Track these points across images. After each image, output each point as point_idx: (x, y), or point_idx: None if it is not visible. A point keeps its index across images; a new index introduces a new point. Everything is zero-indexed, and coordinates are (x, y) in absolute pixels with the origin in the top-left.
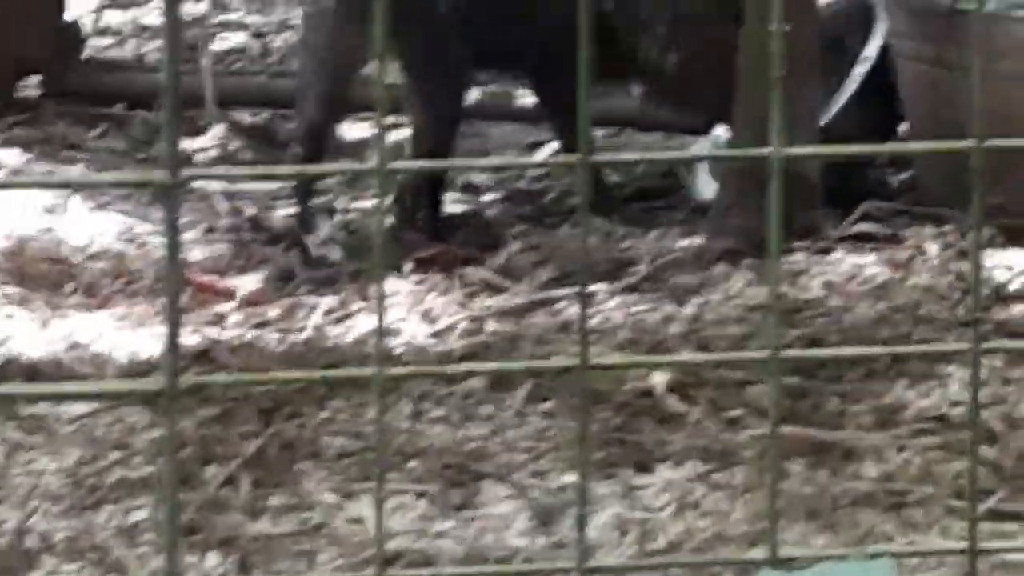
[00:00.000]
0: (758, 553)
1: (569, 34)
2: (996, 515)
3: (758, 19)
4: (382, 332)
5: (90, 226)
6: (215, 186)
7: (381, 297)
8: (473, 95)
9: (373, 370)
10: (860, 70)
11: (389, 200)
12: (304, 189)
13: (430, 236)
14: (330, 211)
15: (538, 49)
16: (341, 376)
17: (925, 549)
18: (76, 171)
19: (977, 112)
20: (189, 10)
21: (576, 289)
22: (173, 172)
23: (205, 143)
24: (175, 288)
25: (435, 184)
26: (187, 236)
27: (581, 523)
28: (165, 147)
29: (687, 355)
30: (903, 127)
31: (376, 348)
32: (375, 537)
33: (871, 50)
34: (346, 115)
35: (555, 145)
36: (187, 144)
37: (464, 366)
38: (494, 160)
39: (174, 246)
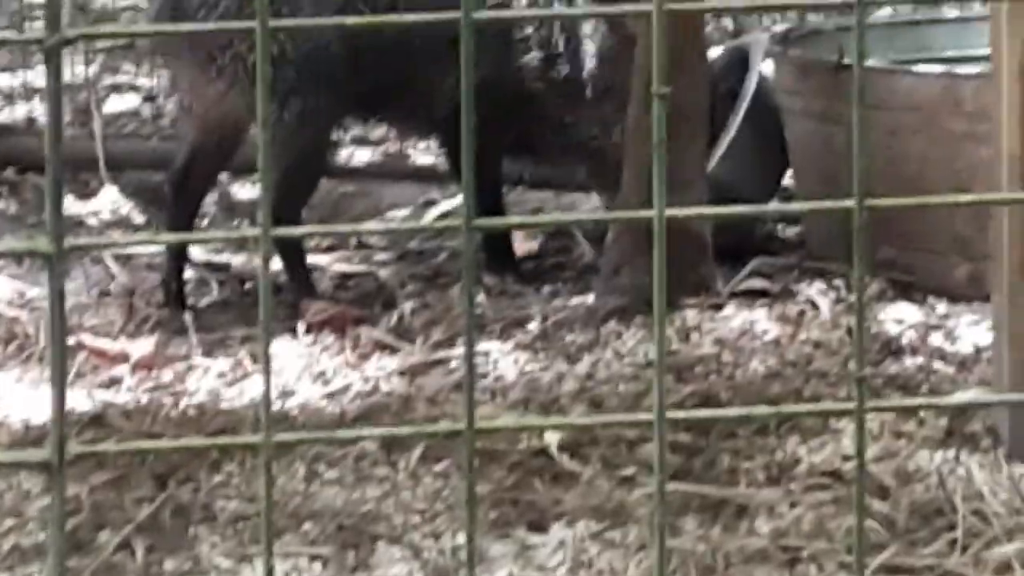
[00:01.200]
0: None
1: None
2: (888, 570)
3: (645, 79)
4: (269, 397)
5: None
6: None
7: (267, 361)
8: (367, 155)
9: (260, 437)
10: (736, 119)
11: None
12: (177, 256)
13: (298, 298)
14: (221, 271)
15: (448, 108)
16: (231, 443)
17: None
18: None
19: (859, 170)
20: (79, 72)
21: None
22: (57, 241)
23: (97, 206)
24: (61, 357)
25: (297, 248)
26: (80, 300)
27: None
28: (49, 215)
29: (576, 416)
30: (789, 177)
31: (263, 413)
32: None
33: (744, 99)
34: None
35: (447, 205)
36: (79, 208)
37: (354, 432)
38: (382, 225)
39: (59, 317)
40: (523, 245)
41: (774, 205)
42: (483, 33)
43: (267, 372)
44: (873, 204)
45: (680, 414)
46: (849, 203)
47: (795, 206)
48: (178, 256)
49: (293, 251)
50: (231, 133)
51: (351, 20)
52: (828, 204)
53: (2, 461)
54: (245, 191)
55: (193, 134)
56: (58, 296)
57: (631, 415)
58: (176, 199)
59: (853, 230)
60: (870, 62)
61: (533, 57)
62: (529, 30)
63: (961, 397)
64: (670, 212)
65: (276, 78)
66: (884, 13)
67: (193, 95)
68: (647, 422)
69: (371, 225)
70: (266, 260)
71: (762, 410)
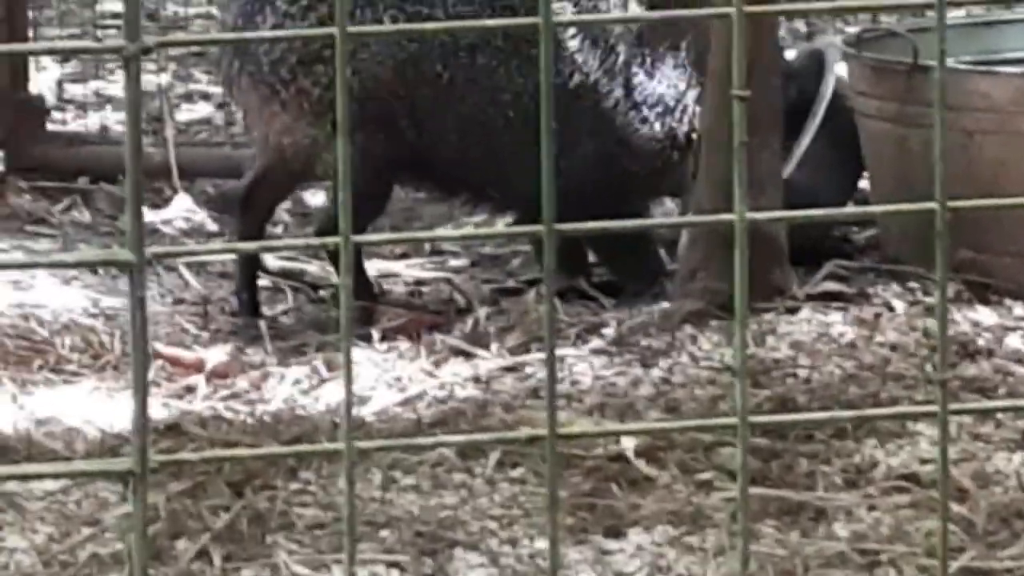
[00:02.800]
0: None
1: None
2: (968, 573)
3: (720, 79)
4: (351, 404)
5: (58, 301)
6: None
7: (348, 367)
8: None
9: (343, 444)
10: (812, 124)
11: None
12: (250, 264)
13: (369, 299)
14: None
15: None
16: (312, 451)
17: None
18: (41, 246)
19: (940, 173)
20: (152, 80)
21: (544, 354)
22: (138, 251)
23: (170, 215)
24: (142, 367)
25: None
26: (154, 308)
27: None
28: (129, 225)
29: (655, 422)
30: (865, 180)
31: (344, 420)
32: None
33: (821, 104)
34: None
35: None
36: (152, 216)
37: (433, 439)
38: (459, 232)
39: (141, 325)
40: None
41: (852, 208)
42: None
43: (348, 378)
44: (955, 206)
45: (762, 418)
46: (931, 205)
47: (875, 208)
48: (251, 265)
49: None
50: (300, 162)
51: (430, 27)
52: (909, 206)
53: (85, 470)
54: (318, 198)
55: (262, 160)
56: (139, 305)
57: (712, 420)
58: (245, 211)
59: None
60: (947, 63)
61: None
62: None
63: None
64: (750, 215)
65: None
66: (958, 14)
67: (259, 126)
68: (730, 426)
69: (449, 232)
70: (347, 268)
71: (843, 414)
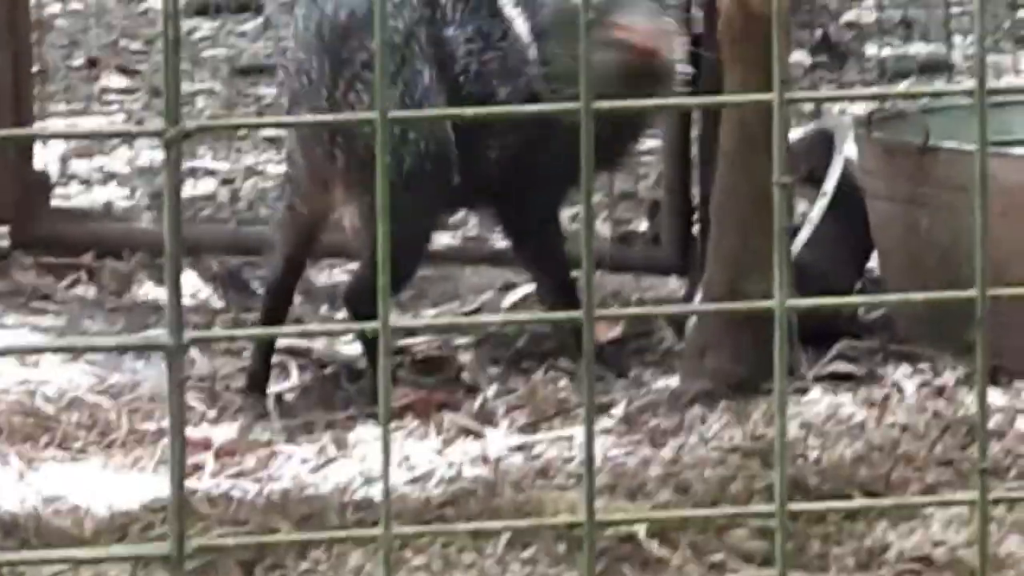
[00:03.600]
0: None
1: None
2: None
3: (732, 159)
4: (388, 489)
5: (63, 377)
6: None
7: (387, 453)
8: (446, 239)
9: (380, 531)
10: (821, 203)
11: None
12: (266, 344)
13: (375, 389)
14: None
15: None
16: (352, 535)
17: None
18: (47, 322)
19: (980, 261)
20: (155, 157)
21: (555, 433)
22: (176, 334)
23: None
24: (180, 451)
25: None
26: (160, 386)
27: None
28: (169, 308)
29: (670, 504)
30: (874, 261)
31: (382, 507)
32: None
33: (830, 183)
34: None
35: (526, 288)
36: (158, 293)
37: (474, 524)
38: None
39: (179, 408)
40: (605, 330)
41: (887, 296)
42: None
43: (386, 463)
44: (996, 293)
45: (801, 506)
46: (971, 293)
47: (915, 296)
48: (269, 346)
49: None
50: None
51: (470, 111)
52: (950, 294)
53: (123, 555)
54: (323, 276)
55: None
56: (177, 388)
57: (753, 507)
58: (274, 292)
59: (942, 313)
60: (955, 144)
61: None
62: None
63: None
64: (792, 302)
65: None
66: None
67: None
68: (768, 514)
69: (489, 317)
70: (385, 352)
71: (884, 501)
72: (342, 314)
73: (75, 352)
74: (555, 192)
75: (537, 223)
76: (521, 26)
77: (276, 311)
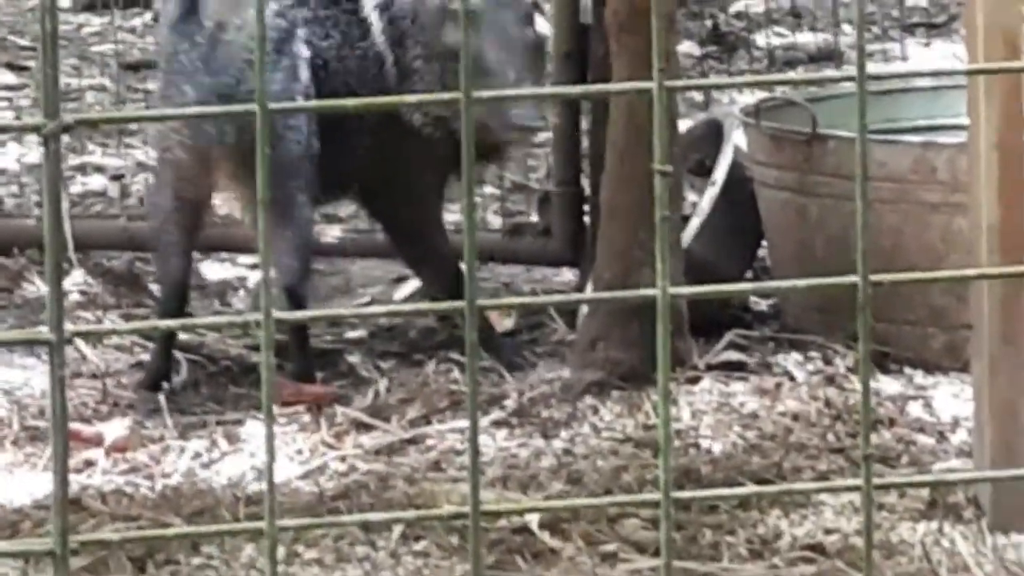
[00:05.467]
0: None
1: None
2: None
3: (621, 150)
4: (273, 483)
5: None
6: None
7: (271, 445)
8: (336, 232)
9: (265, 523)
10: (711, 193)
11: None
12: (167, 338)
13: (298, 376)
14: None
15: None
16: (236, 530)
17: None
18: None
19: (862, 247)
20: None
21: (447, 426)
22: (58, 329)
23: (66, 288)
24: (63, 447)
25: (303, 326)
26: (47, 383)
27: None
28: (49, 303)
29: (560, 495)
30: (763, 250)
31: (267, 501)
32: None
33: (719, 173)
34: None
35: (417, 282)
36: (47, 289)
37: (360, 516)
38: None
39: (61, 404)
40: (497, 321)
41: (775, 283)
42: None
43: (271, 456)
44: (878, 279)
45: (687, 494)
46: (854, 279)
47: (800, 282)
48: (169, 341)
49: (303, 331)
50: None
51: (351, 103)
52: (834, 280)
53: (6, 551)
54: (213, 270)
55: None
56: (59, 384)
57: (637, 496)
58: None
59: (832, 302)
60: (842, 132)
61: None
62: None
63: (961, 474)
64: (674, 290)
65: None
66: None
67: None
68: (652, 503)
69: (374, 309)
70: (267, 346)
71: (772, 488)
72: (232, 311)
73: None
74: (423, 191)
75: (411, 223)
76: (377, 27)
77: (176, 305)
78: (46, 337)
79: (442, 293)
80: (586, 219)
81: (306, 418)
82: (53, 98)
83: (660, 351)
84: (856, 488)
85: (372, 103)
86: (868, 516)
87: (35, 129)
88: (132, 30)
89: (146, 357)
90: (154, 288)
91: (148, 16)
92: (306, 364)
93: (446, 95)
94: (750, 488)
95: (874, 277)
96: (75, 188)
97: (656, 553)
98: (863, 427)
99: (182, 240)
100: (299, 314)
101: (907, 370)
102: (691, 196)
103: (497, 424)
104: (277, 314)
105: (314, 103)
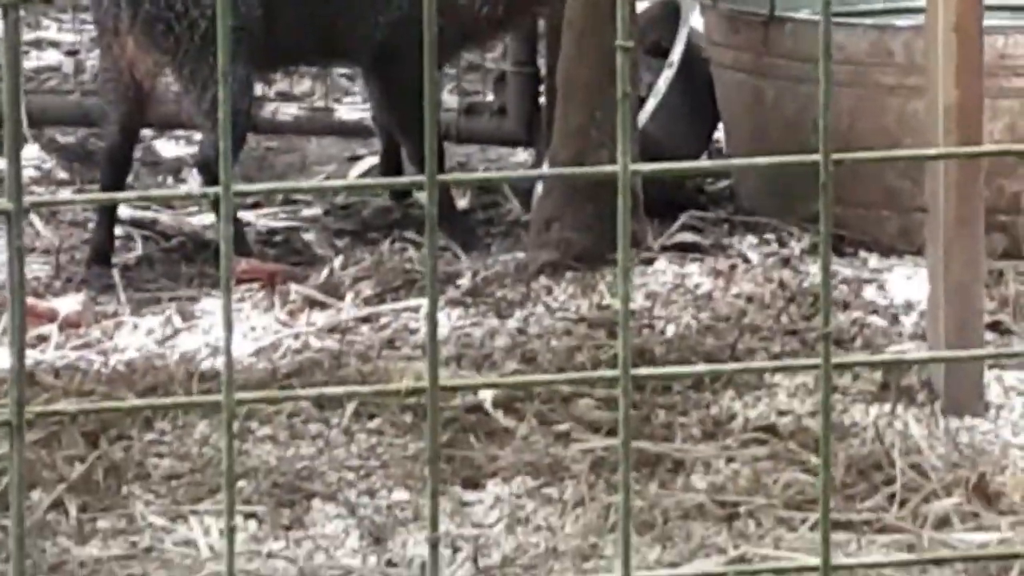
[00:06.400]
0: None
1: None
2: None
3: (578, 29)
4: (231, 356)
5: None
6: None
7: (228, 318)
8: (292, 110)
9: (223, 396)
10: (667, 74)
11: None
12: (108, 211)
13: (241, 252)
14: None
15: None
16: (194, 402)
17: (779, 567)
18: None
19: (823, 126)
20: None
21: (401, 304)
22: (16, 199)
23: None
24: (20, 317)
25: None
26: (1, 257)
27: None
28: (8, 174)
29: (514, 373)
30: (719, 132)
31: (224, 373)
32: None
33: (676, 54)
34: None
35: (372, 160)
36: (2, 164)
37: (320, 390)
38: (343, 182)
39: (19, 275)
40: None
41: (735, 160)
42: None
43: (228, 330)
44: (839, 158)
45: (645, 371)
46: (815, 157)
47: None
48: (111, 216)
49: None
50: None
51: None
52: (795, 158)
53: None
54: (168, 147)
55: (125, 105)
56: (17, 255)
57: (595, 372)
58: (111, 159)
59: (787, 184)
60: (802, 15)
61: None
62: None
63: (919, 353)
64: (635, 167)
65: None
66: None
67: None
68: (612, 379)
69: (333, 182)
70: (227, 218)
71: (729, 366)
72: (187, 186)
73: None
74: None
75: (415, 88)
76: None
77: (115, 178)
78: (4, 207)
79: (419, 166)
80: (541, 99)
81: (260, 295)
82: None
83: (621, 228)
84: (813, 367)
85: None
86: (826, 395)
87: None
88: None
89: None
90: None
91: None
92: (241, 242)
93: None
94: (707, 367)
95: (835, 156)
96: (30, 63)
97: (609, 433)
98: (823, 305)
99: (120, 115)
100: (258, 186)
101: (862, 253)
102: (647, 77)
103: (452, 303)
104: (236, 187)
105: None
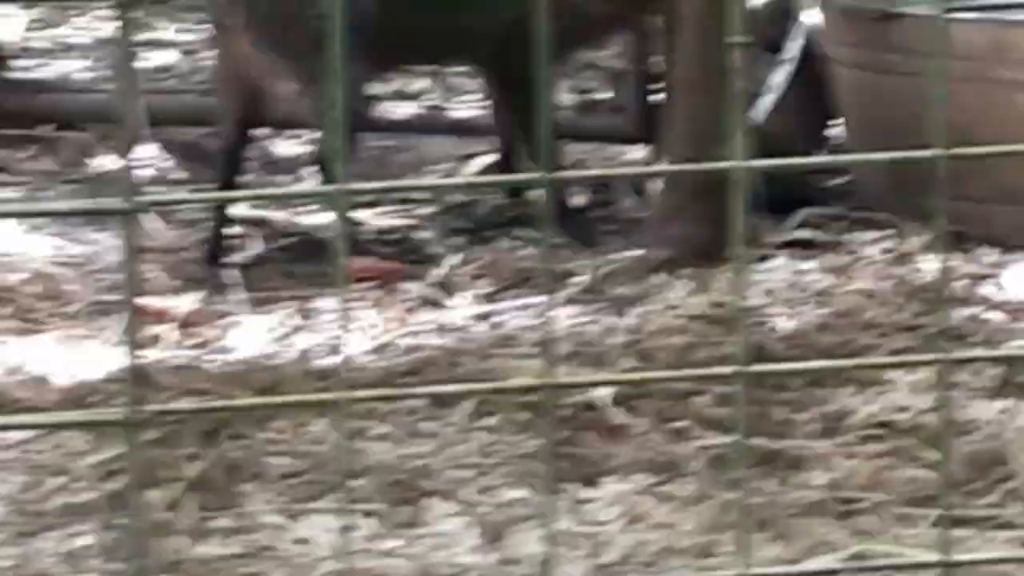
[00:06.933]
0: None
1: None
2: (946, 521)
3: (694, 26)
4: (346, 357)
5: (22, 248)
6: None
7: (344, 318)
8: (407, 109)
9: (339, 394)
10: (784, 70)
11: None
12: (220, 212)
13: (357, 251)
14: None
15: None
16: (310, 400)
17: (898, 563)
18: (6, 195)
19: (938, 121)
20: (116, 28)
21: (517, 302)
22: (130, 199)
23: (137, 162)
24: (134, 318)
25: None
26: (118, 257)
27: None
28: (121, 173)
29: (632, 371)
30: (837, 128)
31: (341, 371)
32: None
33: (792, 51)
34: (259, 133)
35: (486, 158)
36: (117, 165)
37: (430, 389)
38: (460, 179)
39: (134, 274)
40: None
41: (850, 156)
42: None
43: (344, 330)
44: (955, 154)
45: (760, 368)
46: (933, 153)
47: (877, 156)
48: (223, 215)
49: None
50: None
51: None
52: (912, 154)
53: (80, 421)
54: (283, 147)
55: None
56: (132, 254)
57: (712, 369)
58: (226, 158)
59: (906, 179)
60: (920, 10)
61: None
62: None
63: None
64: (750, 164)
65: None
66: None
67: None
68: (725, 376)
69: (448, 180)
70: (343, 217)
71: (842, 363)
72: (303, 185)
73: (26, 217)
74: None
75: (529, 86)
76: None
77: (228, 178)
78: (119, 207)
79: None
80: (658, 96)
81: (377, 294)
82: None
83: (736, 224)
84: (932, 363)
85: None
86: (945, 391)
87: None
88: None
89: None
90: None
91: None
92: (357, 241)
93: None
94: (825, 363)
95: (951, 152)
96: (147, 64)
97: (727, 430)
98: (941, 300)
99: (235, 113)
100: (374, 185)
101: (979, 249)
102: (763, 73)
103: (568, 301)
104: (351, 186)
105: None
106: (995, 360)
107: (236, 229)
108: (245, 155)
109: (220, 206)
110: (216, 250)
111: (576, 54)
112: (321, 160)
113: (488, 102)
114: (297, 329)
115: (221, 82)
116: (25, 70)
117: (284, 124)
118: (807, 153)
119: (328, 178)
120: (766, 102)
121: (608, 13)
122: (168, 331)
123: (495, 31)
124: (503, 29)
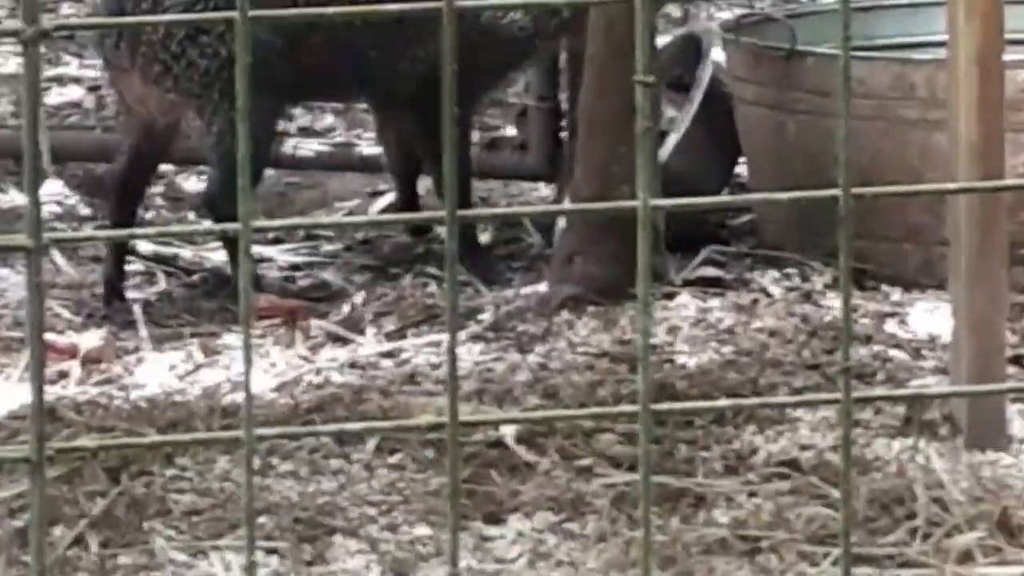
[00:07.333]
0: None
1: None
2: (851, 559)
3: (599, 64)
4: (250, 393)
5: None
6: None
7: (248, 355)
8: (313, 145)
9: (243, 432)
10: (689, 109)
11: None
12: (118, 246)
13: (261, 288)
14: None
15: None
16: (215, 438)
17: None
18: None
19: (843, 160)
20: (21, 63)
21: (422, 340)
22: (35, 236)
23: (42, 198)
24: (39, 354)
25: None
26: (23, 294)
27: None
28: (28, 210)
29: (537, 408)
30: (741, 166)
31: (244, 409)
32: None
33: (698, 89)
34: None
35: (393, 196)
36: (23, 199)
37: (337, 426)
38: (361, 218)
39: (38, 312)
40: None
41: (755, 196)
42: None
43: (248, 366)
44: (859, 192)
45: (665, 406)
46: (835, 192)
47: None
48: (120, 250)
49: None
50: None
51: (331, 11)
52: (815, 193)
53: None
54: (190, 183)
55: (136, 141)
56: (36, 291)
57: (616, 407)
58: (120, 195)
59: (810, 219)
60: (822, 49)
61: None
62: None
63: (941, 388)
64: (656, 202)
65: (215, 76)
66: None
67: (138, 105)
68: (630, 414)
69: (354, 218)
70: (245, 253)
71: (751, 401)
72: (207, 222)
73: None
74: (475, 95)
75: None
76: None
77: (122, 213)
78: (24, 243)
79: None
80: (563, 134)
81: (281, 331)
82: (33, 4)
83: (640, 262)
84: (834, 402)
85: (348, 12)
86: (848, 429)
87: (14, 34)
88: None
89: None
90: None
91: None
92: (261, 279)
93: (428, 3)
94: (728, 401)
95: (855, 190)
96: (51, 99)
97: (631, 468)
98: (844, 339)
99: (130, 148)
100: (278, 222)
101: (884, 287)
102: (669, 112)
103: (473, 338)
104: (256, 223)
105: (296, 11)
106: (897, 399)
107: (139, 266)
108: (144, 190)
109: (120, 245)
110: (116, 286)
111: (503, 86)
112: (209, 199)
113: (391, 140)
114: (201, 366)
115: (118, 117)
116: None
117: (188, 160)
118: (712, 191)
119: (216, 217)
120: (671, 140)
121: (528, 44)
122: (73, 368)
123: (419, 71)
124: (421, 66)
